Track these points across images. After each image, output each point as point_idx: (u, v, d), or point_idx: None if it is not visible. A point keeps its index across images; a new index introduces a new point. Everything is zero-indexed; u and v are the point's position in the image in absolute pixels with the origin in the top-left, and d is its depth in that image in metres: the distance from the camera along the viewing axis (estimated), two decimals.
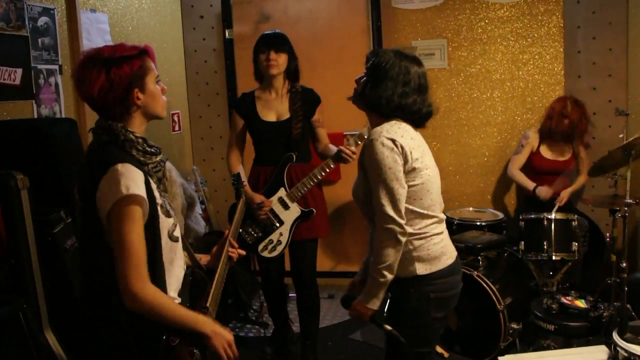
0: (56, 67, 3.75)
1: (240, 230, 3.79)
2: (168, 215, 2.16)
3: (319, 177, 3.73)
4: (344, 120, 5.33)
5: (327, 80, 5.30)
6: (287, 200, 3.77)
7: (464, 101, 5.23)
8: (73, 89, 3.86)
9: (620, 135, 3.95)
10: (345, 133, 5.31)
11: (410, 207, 2.46)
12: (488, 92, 5.20)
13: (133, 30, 4.66)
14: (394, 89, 2.47)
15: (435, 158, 2.66)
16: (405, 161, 2.42)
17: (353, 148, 3.67)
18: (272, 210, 3.76)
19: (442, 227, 2.58)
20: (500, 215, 4.73)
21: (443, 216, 2.60)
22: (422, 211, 2.48)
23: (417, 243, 2.47)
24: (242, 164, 4.01)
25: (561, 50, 5.02)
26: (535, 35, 5.06)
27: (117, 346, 2.06)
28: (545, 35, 5.04)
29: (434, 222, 2.53)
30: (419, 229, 2.48)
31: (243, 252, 2.65)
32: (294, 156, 3.78)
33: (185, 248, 2.37)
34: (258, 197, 3.75)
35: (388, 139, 2.41)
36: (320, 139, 3.95)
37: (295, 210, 3.79)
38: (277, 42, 3.74)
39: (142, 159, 2.08)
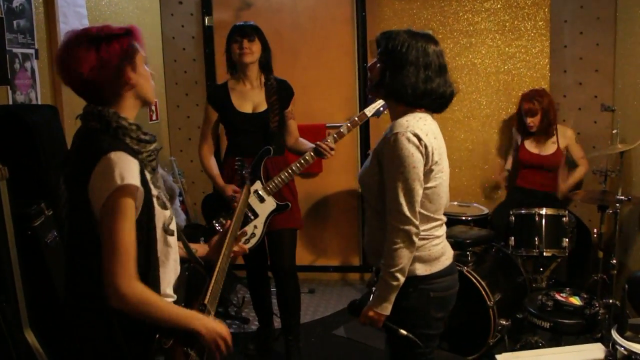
0: (32, 51, 3.54)
1: (214, 221, 3.77)
2: (164, 207, 2.04)
3: (297, 171, 3.71)
4: (327, 111, 5.24)
5: (310, 70, 5.23)
6: (263, 194, 3.72)
7: None
8: (50, 74, 3.68)
9: (614, 131, 3.90)
10: (327, 125, 5.20)
11: (419, 209, 2.35)
12: (473, 85, 5.13)
13: (111, 15, 4.47)
14: (416, 74, 2.30)
15: None
16: (426, 162, 2.31)
17: (332, 144, 3.68)
18: (248, 203, 3.70)
19: (444, 229, 2.52)
20: (485, 209, 4.69)
21: (445, 219, 2.53)
22: (428, 214, 2.40)
23: (419, 243, 2.38)
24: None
25: (547, 44, 4.97)
26: (522, 28, 5.00)
27: (106, 347, 1.94)
28: (532, 29, 4.98)
29: (437, 224, 2.46)
30: (423, 230, 2.39)
31: (246, 248, 2.56)
32: (272, 149, 3.73)
33: (181, 241, 2.26)
34: (229, 188, 3.72)
35: (414, 135, 2.27)
36: (291, 132, 3.92)
37: (270, 204, 3.74)
38: (249, 31, 3.72)
39: (136, 147, 1.95)
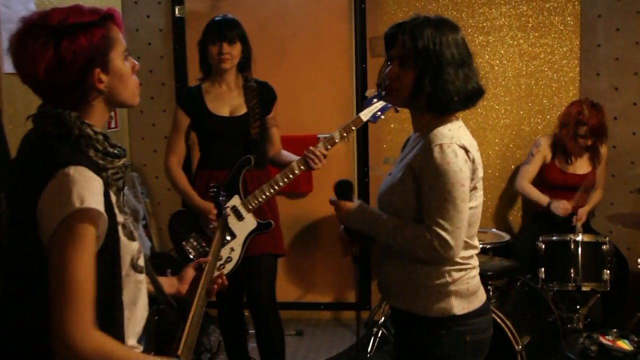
0: None
1: (183, 243, 3.67)
2: (131, 237, 1.86)
3: (281, 184, 3.62)
4: (319, 120, 5.14)
5: (300, 71, 5.18)
6: (242, 210, 3.62)
7: None
8: None
9: None
10: (319, 136, 5.03)
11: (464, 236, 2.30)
12: (490, 91, 4.96)
13: (62, 1, 4.28)
14: (457, 76, 2.22)
15: None
16: (472, 178, 2.26)
17: (323, 150, 3.59)
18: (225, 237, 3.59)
19: (477, 260, 2.46)
20: (506, 236, 4.57)
21: (479, 245, 2.46)
22: (467, 240, 2.33)
23: (456, 275, 2.32)
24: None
25: (577, 43, 4.90)
26: (547, 24, 4.92)
27: None
28: (559, 25, 4.91)
29: (474, 253, 2.41)
30: (461, 258, 2.33)
31: (225, 282, 2.37)
32: (252, 159, 3.65)
33: (149, 277, 2.07)
34: (211, 211, 3.55)
35: (461, 147, 2.21)
36: (273, 142, 3.90)
37: (250, 222, 3.63)
38: (229, 31, 3.67)
39: (101, 162, 1.78)
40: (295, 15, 5.15)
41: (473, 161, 2.24)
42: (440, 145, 2.20)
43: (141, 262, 1.92)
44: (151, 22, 5.26)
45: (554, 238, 4.07)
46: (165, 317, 2.11)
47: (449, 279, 2.30)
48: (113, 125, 5.06)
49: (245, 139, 3.70)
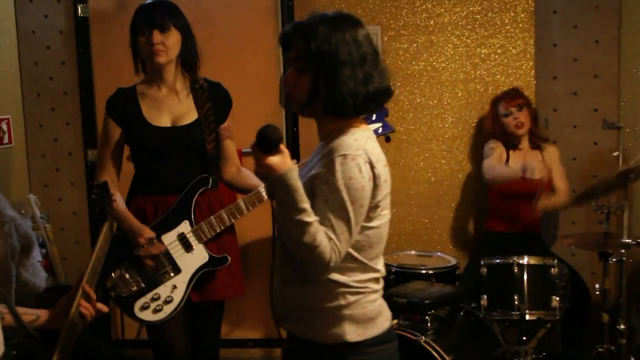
0: None
1: (113, 275, 3.41)
2: None
3: (245, 210, 3.52)
4: (243, 132, 4.99)
5: (220, 77, 4.91)
6: (192, 239, 3.46)
7: (404, 109, 5.12)
8: None
9: (615, 154, 3.88)
10: (244, 151, 5.06)
11: (355, 254, 2.37)
12: (435, 98, 5.11)
13: None
14: (354, 77, 2.30)
15: None
16: (374, 195, 2.32)
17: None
18: (166, 251, 3.44)
19: (382, 284, 2.54)
20: (453, 260, 4.62)
21: (384, 272, 2.53)
22: (366, 262, 2.41)
23: (352, 298, 2.39)
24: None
25: (531, 42, 4.99)
26: (498, 22, 5.00)
27: None
28: (511, 23, 4.99)
29: (376, 277, 2.48)
30: (358, 281, 2.41)
31: (105, 308, 2.42)
32: (211, 180, 3.52)
33: (5, 305, 2.12)
34: (147, 231, 3.39)
35: (367, 162, 2.28)
36: (228, 157, 3.72)
37: (201, 255, 3.47)
38: (161, 17, 3.42)
39: None
40: (213, 13, 5.15)
41: (378, 178, 2.30)
42: (344, 156, 2.26)
43: None
44: (50, 23, 5.23)
45: (497, 261, 4.12)
46: (25, 351, 2.14)
47: (342, 302, 2.36)
48: (6, 140, 5.03)
49: (202, 156, 3.53)
